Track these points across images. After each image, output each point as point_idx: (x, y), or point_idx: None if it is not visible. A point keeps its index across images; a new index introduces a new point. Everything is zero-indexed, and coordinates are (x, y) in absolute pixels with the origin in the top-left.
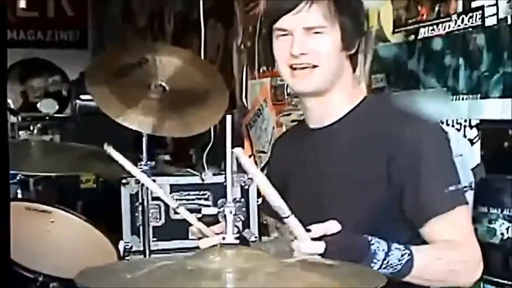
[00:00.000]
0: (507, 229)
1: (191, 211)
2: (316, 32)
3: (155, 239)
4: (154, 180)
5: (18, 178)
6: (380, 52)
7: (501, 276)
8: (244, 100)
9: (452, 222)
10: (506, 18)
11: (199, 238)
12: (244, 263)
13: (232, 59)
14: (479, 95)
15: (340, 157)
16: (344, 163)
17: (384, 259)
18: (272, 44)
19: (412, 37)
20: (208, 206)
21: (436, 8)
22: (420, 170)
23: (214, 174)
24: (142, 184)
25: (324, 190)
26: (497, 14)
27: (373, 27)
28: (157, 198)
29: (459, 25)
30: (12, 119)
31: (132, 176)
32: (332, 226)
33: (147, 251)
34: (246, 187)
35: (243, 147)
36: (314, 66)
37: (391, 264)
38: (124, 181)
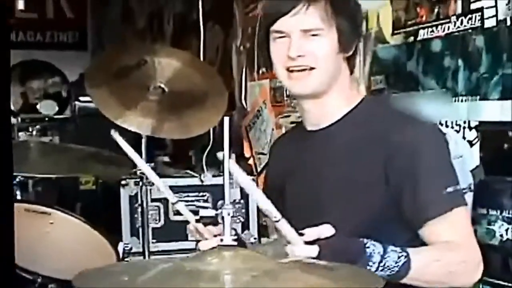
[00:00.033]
0: (506, 230)
1: (195, 212)
2: (313, 35)
3: (154, 240)
4: (152, 183)
5: (17, 179)
6: (379, 54)
7: (501, 278)
8: (243, 101)
9: (451, 224)
10: (505, 19)
11: (198, 241)
12: (242, 264)
13: (232, 60)
14: (478, 97)
15: (338, 158)
16: (342, 164)
17: (380, 262)
18: (269, 46)
19: (412, 38)
20: (205, 208)
21: (436, 10)
22: (418, 172)
23: (213, 176)
24: (142, 186)
25: (322, 191)
26: (496, 15)
27: (372, 29)
28: (157, 200)
29: (458, 27)
30: (11, 120)
31: (132, 178)
32: (325, 230)
33: (147, 253)
34: None
35: (242, 148)
36: (311, 68)
37: (387, 266)
38: (123, 182)
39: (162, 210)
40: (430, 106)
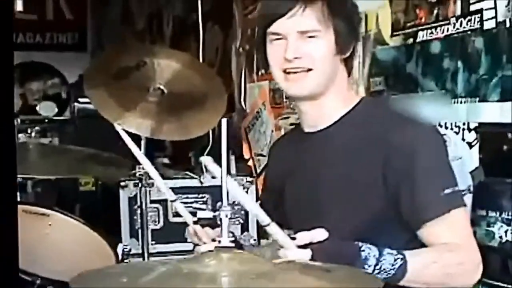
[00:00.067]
0: (506, 232)
1: (193, 213)
2: (310, 36)
3: (153, 242)
4: (152, 184)
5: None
6: (378, 55)
7: (500, 279)
8: (242, 103)
9: (450, 225)
10: (504, 21)
11: (196, 245)
12: (240, 266)
13: (231, 62)
14: (477, 99)
15: (336, 160)
16: (340, 165)
17: (376, 265)
18: (266, 48)
19: (411, 40)
20: (203, 209)
21: (435, 11)
22: (416, 173)
23: (212, 177)
24: (141, 187)
25: (321, 193)
26: (495, 17)
27: (371, 30)
28: (156, 201)
29: (457, 28)
30: None
31: (131, 179)
32: (318, 234)
33: (146, 254)
34: (245, 190)
35: (242, 150)
36: (308, 70)
37: (384, 269)
38: (122, 184)
39: (161, 212)
40: (429, 108)
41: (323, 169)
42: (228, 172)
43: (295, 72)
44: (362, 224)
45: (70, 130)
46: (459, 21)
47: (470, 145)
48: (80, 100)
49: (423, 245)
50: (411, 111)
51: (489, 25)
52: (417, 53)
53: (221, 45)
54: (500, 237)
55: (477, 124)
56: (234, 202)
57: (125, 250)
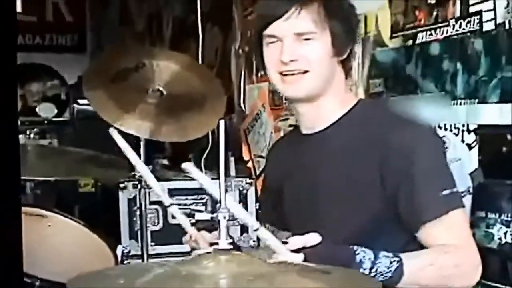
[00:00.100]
0: (505, 234)
1: (189, 215)
2: (306, 39)
3: (153, 243)
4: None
5: None
6: (378, 57)
7: (499, 281)
8: (242, 105)
9: (448, 226)
10: (504, 23)
11: (193, 249)
12: (238, 268)
13: (230, 63)
14: (477, 100)
15: (334, 161)
16: (338, 167)
17: (372, 268)
18: (263, 51)
19: (410, 42)
20: (201, 211)
21: (434, 13)
22: (413, 174)
23: (212, 179)
24: (140, 189)
25: (319, 194)
26: (495, 19)
27: (371, 32)
28: (155, 203)
29: (457, 30)
30: None
31: (130, 180)
32: (311, 238)
33: (145, 256)
34: (245, 191)
35: (241, 151)
36: (305, 72)
37: (380, 272)
38: (122, 185)
39: (160, 213)
40: (428, 109)
41: (321, 171)
42: (228, 173)
43: (291, 74)
44: (361, 225)
45: (69, 131)
46: (459, 22)
47: (470, 146)
48: (80, 101)
49: (422, 246)
50: (410, 112)
51: (488, 26)
52: (417, 55)
53: (220, 46)
54: (500, 238)
55: (476, 126)
56: None
57: (124, 251)
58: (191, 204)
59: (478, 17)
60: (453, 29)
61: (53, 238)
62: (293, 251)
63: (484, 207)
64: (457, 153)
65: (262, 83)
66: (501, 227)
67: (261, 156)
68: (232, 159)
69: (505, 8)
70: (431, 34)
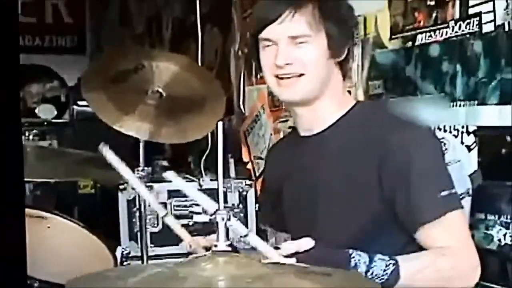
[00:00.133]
0: (504, 235)
1: (189, 217)
2: (300, 42)
3: (152, 245)
4: (151, 187)
5: None
6: (377, 59)
7: (498, 283)
8: (241, 106)
9: (447, 227)
10: (503, 24)
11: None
12: (236, 270)
13: (230, 65)
14: (476, 102)
15: (332, 163)
16: (336, 169)
17: (367, 271)
18: (259, 54)
19: (410, 43)
20: (199, 213)
21: (434, 15)
22: (411, 176)
23: (211, 180)
24: None
25: (318, 195)
26: (494, 20)
27: (370, 34)
28: None
29: (456, 32)
30: None
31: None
32: (304, 243)
33: (145, 257)
34: (244, 193)
35: (241, 153)
36: (301, 75)
37: (376, 275)
38: (121, 187)
39: (160, 215)
40: (428, 111)
41: (320, 172)
42: (227, 175)
43: (287, 78)
44: (360, 226)
45: (69, 133)
46: (458, 24)
47: (469, 148)
48: (79, 103)
49: (421, 247)
50: (409, 114)
51: (488, 28)
52: (416, 56)
53: (220, 47)
54: (499, 240)
55: (475, 127)
56: (233, 204)
57: (124, 252)
58: (190, 205)
59: (478, 18)
60: (452, 30)
61: (53, 240)
62: (286, 256)
63: (483, 208)
64: (457, 155)
65: (261, 84)
66: (500, 229)
67: (260, 158)
68: (231, 161)
69: (505, 9)
70: (430, 36)
